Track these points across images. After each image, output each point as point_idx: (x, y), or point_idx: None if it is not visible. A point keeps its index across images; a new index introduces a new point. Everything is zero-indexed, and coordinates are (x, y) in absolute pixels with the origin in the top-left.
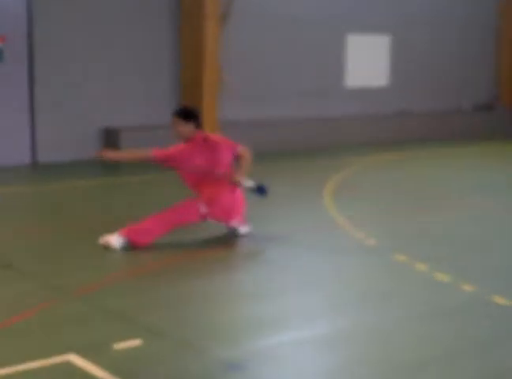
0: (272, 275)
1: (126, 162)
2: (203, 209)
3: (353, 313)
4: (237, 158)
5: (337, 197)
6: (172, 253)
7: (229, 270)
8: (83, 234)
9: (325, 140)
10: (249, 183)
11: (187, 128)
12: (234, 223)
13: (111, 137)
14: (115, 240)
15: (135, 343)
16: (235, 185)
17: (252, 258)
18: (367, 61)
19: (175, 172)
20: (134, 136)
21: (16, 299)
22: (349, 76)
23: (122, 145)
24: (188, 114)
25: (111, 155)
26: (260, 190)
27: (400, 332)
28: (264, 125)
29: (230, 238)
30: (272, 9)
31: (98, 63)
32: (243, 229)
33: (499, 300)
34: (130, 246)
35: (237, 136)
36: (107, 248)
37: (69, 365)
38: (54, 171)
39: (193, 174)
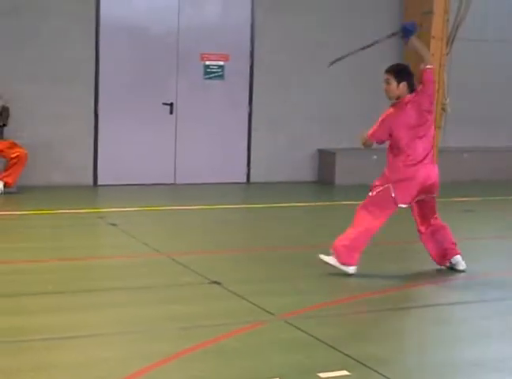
0: (487, 316)
1: None
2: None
3: None
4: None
5: None
6: (390, 282)
7: (439, 308)
8: (294, 256)
9: None
10: None
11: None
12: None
13: (325, 159)
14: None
15: (341, 373)
16: None
17: (464, 296)
18: None
19: None
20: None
21: (224, 317)
22: None
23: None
24: (400, 72)
25: None
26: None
27: None
28: (485, 153)
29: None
30: (498, 31)
31: (316, 84)
32: (462, 264)
33: None
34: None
35: (456, 163)
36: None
37: None
38: (267, 190)
39: None
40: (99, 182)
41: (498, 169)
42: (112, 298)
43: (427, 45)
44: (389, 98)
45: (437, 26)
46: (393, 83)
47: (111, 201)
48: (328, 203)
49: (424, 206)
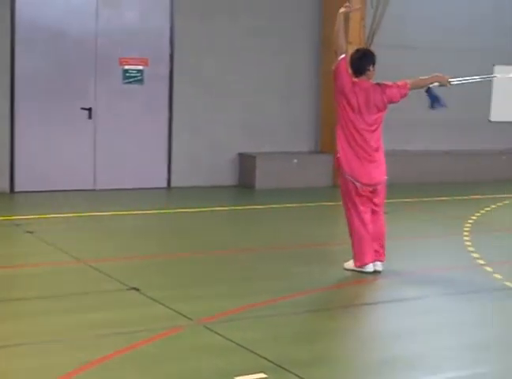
0: (407, 315)
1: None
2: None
3: (495, 358)
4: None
5: (477, 234)
6: (303, 286)
7: (359, 308)
8: (214, 261)
9: (466, 174)
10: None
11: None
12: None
13: (246, 163)
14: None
15: (258, 376)
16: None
17: (385, 296)
18: None
19: None
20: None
21: (142, 323)
22: (495, 109)
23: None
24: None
25: None
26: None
27: None
28: (403, 157)
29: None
30: (412, 38)
31: (235, 88)
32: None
33: None
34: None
35: None
36: None
37: None
38: (188, 196)
39: None
40: (15, 189)
41: (414, 171)
42: (30, 307)
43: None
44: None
45: (354, 32)
46: (367, 69)
47: (28, 208)
48: (248, 207)
49: None
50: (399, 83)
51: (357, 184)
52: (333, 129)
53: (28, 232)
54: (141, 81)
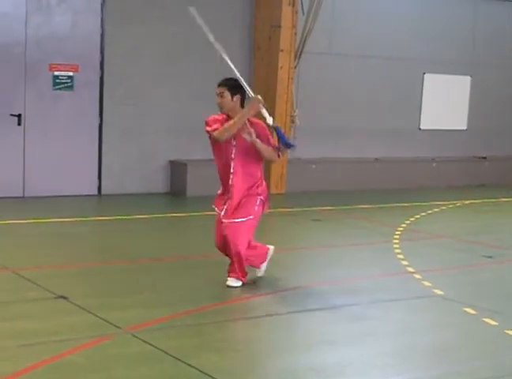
0: (335, 322)
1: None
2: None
3: (418, 365)
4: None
5: (407, 242)
6: (234, 293)
7: (287, 316)
8: (142, 269)
9: (397, 182)
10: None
11: (234, 101)
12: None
13: (177, 171)
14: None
15: None
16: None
17: (314, 303)
18: (444, 102)
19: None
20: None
21: (70, 332)
22: (425, 117)
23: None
24: (235, 86)
25: None
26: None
27: None
28: (334, 164)
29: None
30: (343, 46)
31: (166, 95)
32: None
33: None
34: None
35: (305, 174)
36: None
37: None
38: (118, 202)
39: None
40: None
41: (346, 179)
42: None
43: (277, 57)
44: (223, 111)
45: (285, 39)
46: (228, 96)
47: None
48: (179, 214)
49: None
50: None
51: None
52: None
53: None
54: (71, 87)
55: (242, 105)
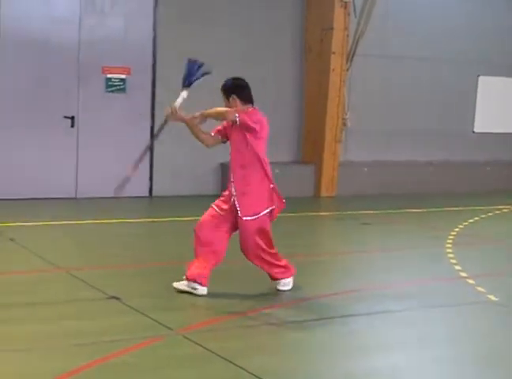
0: (388, 327)
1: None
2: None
3: (471, 372)
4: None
5: (460, 246)
6: (286, 297)
7: (339, 320)
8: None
9: (450, 185)
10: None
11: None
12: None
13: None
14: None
15: None
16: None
17: (365, 308)
18: (499, 104)
19: None
20: None
21: (122, 333)
22: (479, 120)
23: None
24: (226, 88)
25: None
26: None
27: None
28: (385, 167)
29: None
30: (396, 47)
31: (220, 100)
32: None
33: None
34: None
35: (357, 177)
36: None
37: None
38: (170, 204)
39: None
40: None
41: (397, 182)
42: (9, 314)
43: (328, 60)
44: None
45: (337, 42)
46: (225, 100)
47: (10, 216)
48: None
49: None
50: None
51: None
52: (315, 140)
53: (9, 239)
54: (123, 90)
55: (244, 101)
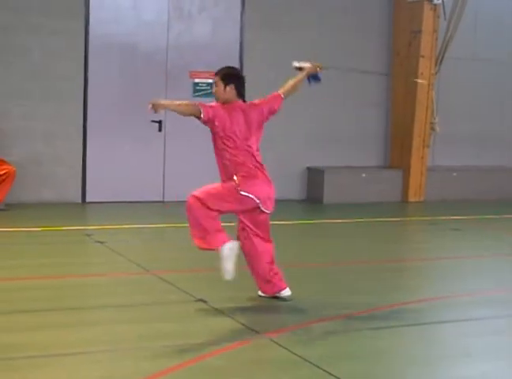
0: (473, 335)
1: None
2: None
3: None
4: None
5: None
6: (373, 301)
7: (424, 327)
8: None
9: None
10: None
11: (227, 92)
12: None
13: (314, 177)
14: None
15: None
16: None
17: (452, 315)
18: None
19: None
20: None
21: (209, 335)
22: None
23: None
24: (228, 76)
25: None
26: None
27: None
28: (475, 172)
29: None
30: (486, 51)
31: (305, 102)
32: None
33: None
34: None
35: (445, 182)
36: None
37: None
38: None
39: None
40: (87, 199)
41: (487, 188)
42: (98, 316)
43: (417, 64)
44: (218, 101)
45: (426, 45)
46: (220, 86)
47: (99, 219)
48: (314, 221)
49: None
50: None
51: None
52: (403, 144)
53: (98, 242)
54: (210, 94)
55: (239, 94)
